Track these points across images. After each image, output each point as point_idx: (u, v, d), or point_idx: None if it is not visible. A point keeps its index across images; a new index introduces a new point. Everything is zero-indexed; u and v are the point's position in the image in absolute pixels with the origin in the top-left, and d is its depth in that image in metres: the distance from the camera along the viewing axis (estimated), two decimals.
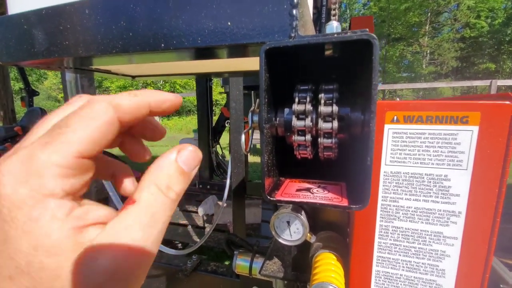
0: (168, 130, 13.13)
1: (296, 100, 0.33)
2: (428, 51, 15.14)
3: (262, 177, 0.32)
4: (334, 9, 1.03)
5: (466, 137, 0.39)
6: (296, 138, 0.36)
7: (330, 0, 1.02)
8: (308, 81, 0.35)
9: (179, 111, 18.22)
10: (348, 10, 18.92)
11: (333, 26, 0.32)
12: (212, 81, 2.82)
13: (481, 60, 14.04)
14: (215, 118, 2.96)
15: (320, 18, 1.12)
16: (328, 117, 0.32)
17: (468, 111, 0.38)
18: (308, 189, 0.35)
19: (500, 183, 0.39)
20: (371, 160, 0.28)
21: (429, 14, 14.65)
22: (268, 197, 0.32)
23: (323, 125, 0.32)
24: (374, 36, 0.24)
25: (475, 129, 0.39)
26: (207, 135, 2.75)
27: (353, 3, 18.92)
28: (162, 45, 0.34)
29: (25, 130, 3.15)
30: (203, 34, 0.32)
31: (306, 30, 0.37)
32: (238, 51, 0.36)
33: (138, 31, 0.35)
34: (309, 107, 0.35)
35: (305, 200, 0.31)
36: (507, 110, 0.37)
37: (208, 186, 2.82)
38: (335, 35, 0.26)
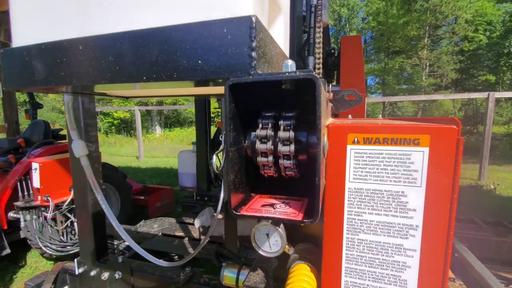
0: (170, 141, 13.22)
1: (260, 125, 0.38)
2: (428, 64, 15.33)
3: (228, 194, 0.36)
4: (319, 37, 1.11)
5: (419, 157, 0.43)
6: (260, 159, 0.41)
7: (316, 26, 1.14)
8: (274, 108, 0.39)
9: (180, 122, 18.35)
10: (348, 24, 19.31)
11: (288, 65, 0.36)
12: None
13: (481, 72, 14.19)
14: (213, 130, 3.02)
15: (308, 39, 1.26)
16: (286, 141, 0.37)
17: (419, 134, 0.43)
18: (272, 205, 0.39)
19: (451, 199, 0.43)
20: (319, 180, 0.33)
21: (427, 28, 14.93)
22: (234, 212, 0.37)
23: (282, 148, 0.37)
24: (317, 76, 0.29)
25: (426, 150, 0.43)
26: (205, 148, 2.80)
27: (352, 17, 19.34)
28: (144, 78, 0.39)
29: (28, 142, 3.21)
30: (178, 71, 0.37)
31: (271, 64, 0.42)
32: (209, 82, 0.41)
33: (124, 65, 0.40)
34: (270, 132, 0.39)
35: (265, 215, 0.36)
36: (453, 133, 0.42)
37: (206, 198, 2.85)
38: (287, 73, 0.31)
